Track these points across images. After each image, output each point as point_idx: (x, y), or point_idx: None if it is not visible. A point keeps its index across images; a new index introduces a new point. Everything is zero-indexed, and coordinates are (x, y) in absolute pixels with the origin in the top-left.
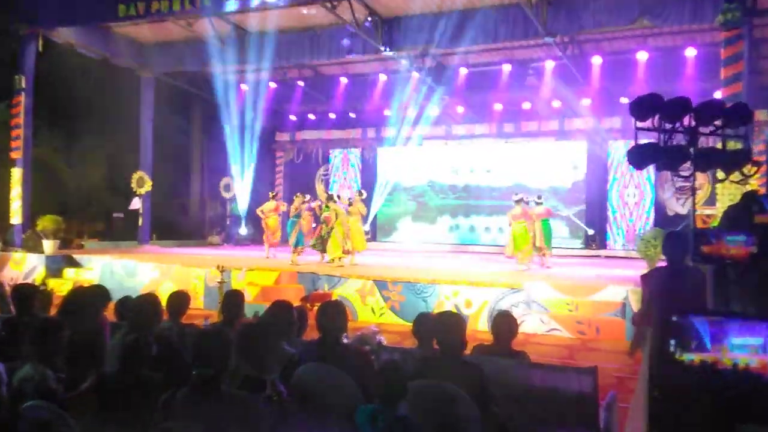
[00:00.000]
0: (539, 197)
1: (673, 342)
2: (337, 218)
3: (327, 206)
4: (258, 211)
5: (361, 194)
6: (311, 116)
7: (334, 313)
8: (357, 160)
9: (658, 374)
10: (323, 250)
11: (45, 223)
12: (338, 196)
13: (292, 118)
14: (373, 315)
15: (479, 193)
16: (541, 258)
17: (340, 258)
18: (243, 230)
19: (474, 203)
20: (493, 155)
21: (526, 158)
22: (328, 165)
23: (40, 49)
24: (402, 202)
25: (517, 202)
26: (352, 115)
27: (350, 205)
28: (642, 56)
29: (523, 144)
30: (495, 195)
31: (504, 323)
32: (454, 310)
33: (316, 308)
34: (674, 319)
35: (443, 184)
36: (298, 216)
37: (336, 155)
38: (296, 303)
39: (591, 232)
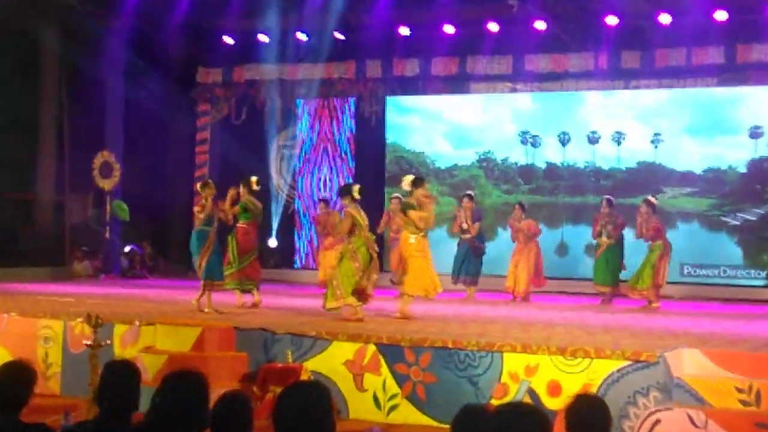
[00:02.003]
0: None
1: None
2: (355, 232)
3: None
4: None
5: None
6: (263, 37)
7: (309, 403)
8: (348, 118)
9: None
10: (243, 289)
11: None
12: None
13: (228, 41)
14: (377, 409)
15: (577, 181)
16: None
17: (349, 305)
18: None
19: (566, 200)
20: (602, 112)
21: (665, 115)
22: (294, 128)
23: None
24: None
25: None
26: (338, 35)
27: (411, 199)
28: None
29: (658, 90)
30: (606, 186)
31: (593, 413)
32: (529, 401)
33: (270, 396)
34: None
35: (508, 163)
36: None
37: (309, 109)
38: (232, 385)
39: None
